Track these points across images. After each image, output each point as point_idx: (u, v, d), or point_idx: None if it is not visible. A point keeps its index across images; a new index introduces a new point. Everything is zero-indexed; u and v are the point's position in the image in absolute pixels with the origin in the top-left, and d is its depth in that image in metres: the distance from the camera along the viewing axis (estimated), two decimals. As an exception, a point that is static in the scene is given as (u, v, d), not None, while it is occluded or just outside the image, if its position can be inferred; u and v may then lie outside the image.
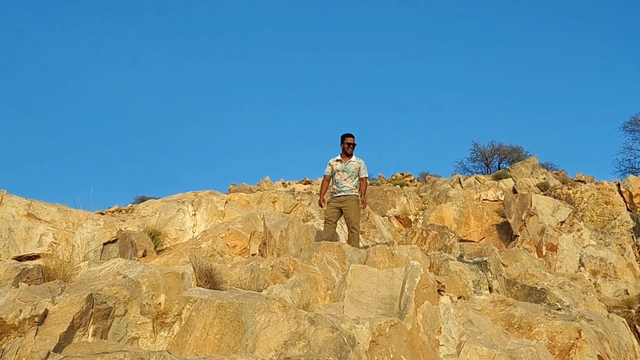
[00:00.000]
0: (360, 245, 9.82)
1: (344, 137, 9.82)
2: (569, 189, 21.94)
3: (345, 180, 9.79)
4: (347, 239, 9.88)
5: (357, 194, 9.87)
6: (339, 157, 9.97)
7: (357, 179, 9.93)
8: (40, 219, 7.59)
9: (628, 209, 20.96)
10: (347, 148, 9.78)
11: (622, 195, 21.69)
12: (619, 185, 22.26)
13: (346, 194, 9.72)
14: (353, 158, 9.93)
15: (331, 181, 10.21)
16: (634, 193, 21.55)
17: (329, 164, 10.06)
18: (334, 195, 9.88)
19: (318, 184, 24.46)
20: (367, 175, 10.12)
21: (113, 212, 27.43)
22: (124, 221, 10.15)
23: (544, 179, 23.90)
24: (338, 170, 9.88)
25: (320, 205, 10.39)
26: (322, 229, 10.21)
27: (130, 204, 29.87)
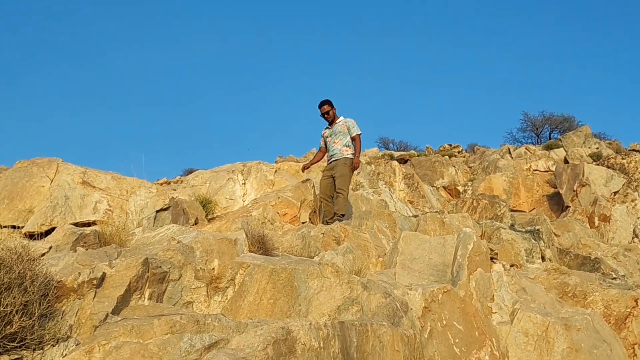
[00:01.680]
0: (346, 210, 9.36)
1: (318, 107, 9.54)
2: (622, 158, 21.40)
3: (334, 142, 9.44)
4: (334, 201, 9.36)
5: (348, 155, 9.38)
6: (327, 126, 9.71)
7: (347, 138, 9.47)
8: (94, 187, 7.71)
9: (685, 179, 20.39)
10: (326, 117, 9.53)
11: (679, 164, 21.11)
12: (676, 153, 21.70)
13: (336, 158, 9.35)
14: (338, 120, 9.61)
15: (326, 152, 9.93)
16: (690, 162, 20.98)
17: (322, 136, 9.86)
18: (328, 162, 9.60)
19: (365, 155, 24.39)
20: (359, 133, 9.52)
21: (162, 184, 27.78)
22: (174, 190, 10.27)
23: (597, 148, 23.38)
24: (327, 137, 9.62)
25: (302, 171, 10.16)
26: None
27: (179, 177, 30.22)
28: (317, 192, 9.68)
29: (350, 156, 9.36)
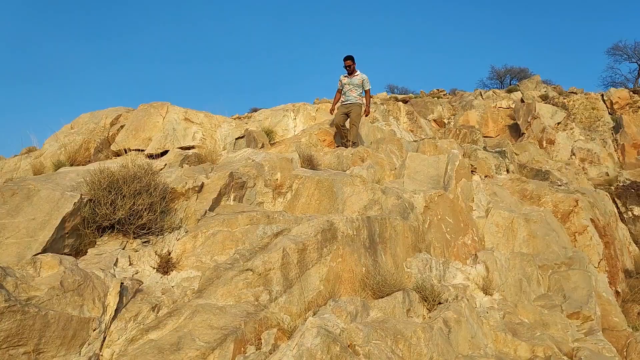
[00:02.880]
0: (357, 139, 9.02)
1: (343, 60, 8.96)
2: (564, 98, 20.61)
3: (350, 91, 8.90)
4: (349, 131, 8.99)
5: (361, 102, 8.96)
6: (346, 74, 9.05)
7: (361, 90, 8.99)
8: (193, 122, 7.61)
9: (609, 113, 19.66)
10: (347, 69, 8.92)
11: (604, 103, 20.36)
12: (602, 95, 20.90)
13: (352, 102, 8.86)
14: (357, 73, 8.97)
15: (342, 93, 9.24)
16: (613, 101, 20.26)
17: (340, 80, 9.18)
18: (343, 103, 9.03)
19: (377, 97, 23.81)
20: (369, 88, 9.07)
21: (235, 118, 27.64)
22: (246, 123, 10.12)
23: (545, 91, 22.46)
24: (345, 84, 9.00)
25: (331, 113, 9.52)
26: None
27: (247, 113, 30.00)
28: (334, 121, 9.24)
29: (362, 102, 9.00)
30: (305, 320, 3.86)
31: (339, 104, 9.32)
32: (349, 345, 3.25)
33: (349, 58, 8.97)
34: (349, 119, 9.01)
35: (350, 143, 8.80)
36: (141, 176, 4.74)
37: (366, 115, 9.24)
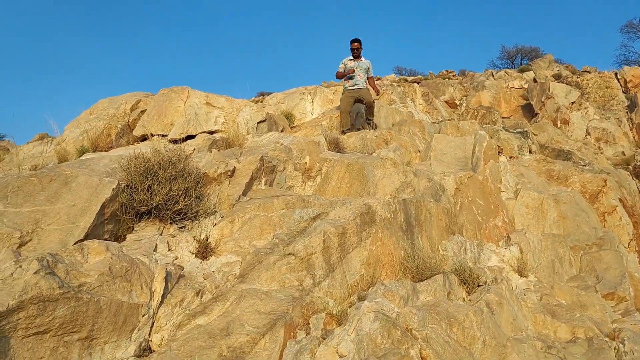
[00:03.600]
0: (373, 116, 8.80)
1: (351, 42, 8.61)
2: (577, 77, 20.38)
3: (359, 75, 8.52)
4: (365, 114, 8.83)
5: (368, 86, 8.67)
6: (351, 57, 8.68)
7: (366, 75, 8.67)
8: (214, 106, 7.54)
9: (623, 92, 19.46)
10: (354, 52, 8.56)
11: (618, 82, 20.14)
12: (616, 74, 20.64)
13: (360, 87, 8.50)
14: (363, 58, 8.69)
15: (345, 79, 8.76)
16: (627, 79, 20.05)
17: (342, 63, 8.75)
18: (350, 88, 8.58)
19: (387, 79, 23.59)
20: (372, 75, 8.77)
21: (242, 100, 27.42)
22: (264, 107, 10.04)
23: (558, 70, 22.24)
24: (352, 67, 8.56)
25: (339, 77, 8.76)
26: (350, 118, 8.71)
27: (254, 97, 29.78)
28: (341, 108, 8.78)
29: (369, 88, 8.70)
30: (352, 305, 3.85)
31: (344, 87, 8.92)
32: (406, 329, 3.23)
33: (357, 41, 8.66)
34: (356, 104, 8.72)
35: (367, 121, 8.69)
36: (176, 161, 4.71)
37: (377, 94, 9.04)
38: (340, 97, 8.90)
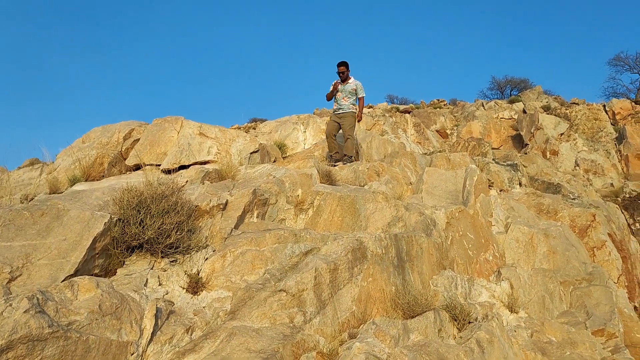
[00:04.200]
0: (353, 152, 8.49)
1: (337, 66, 8.48)
2: (566, 109, 20.75)
3: (343, 99, 8.41)
4: (344, 145, 8.49)
5: (353, 110, 8.41)
6: (339, 81, 8.53)
7: (354, 97, 8.47)
8: (208, 137, 7.60)
9: (611, 124, 19.82)
10: (340, 75, 8.45)
11: (607, 114, 20.53)
12: (604, 106, 21.07)
13: (344, 110, 8.33)
14: (350, 80, 8.48)
15: (333, 101, 8.73)
16: (616, 112, 20.45)
17: (332, 84, 8.59)
18: (335, 112, 8.49)
19: (379, 108, 23.88)
20: (363, 95, 8.55)
21: (235, 129, 27.52)
22: (256, 136, 10.12)
23: (547, 102, 22.65)
24: (338, 91, 8.47)
25: (327, 99, 8.79)
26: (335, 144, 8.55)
27: (246, 123, 29.88)
28: (326, 131, 8.66)
29: (355, 111, 8.52)
30: (343, 343, 3.85)
31: (330, 111, 8.77)
32: (397, 371, 3.23)
33: (343, 64, 8.55)
34: (341, 129, 8.51)
35: (345, 157, 8.29)
36: (168, 195, 4.73)
37: (358, 121, 8.75)
38: (327, 121, 8.79)
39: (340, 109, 8.49)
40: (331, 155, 8.31)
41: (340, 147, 8.63)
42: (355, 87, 8.54)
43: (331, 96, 8.70)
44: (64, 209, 4.30)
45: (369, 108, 26.97)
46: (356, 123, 8.53)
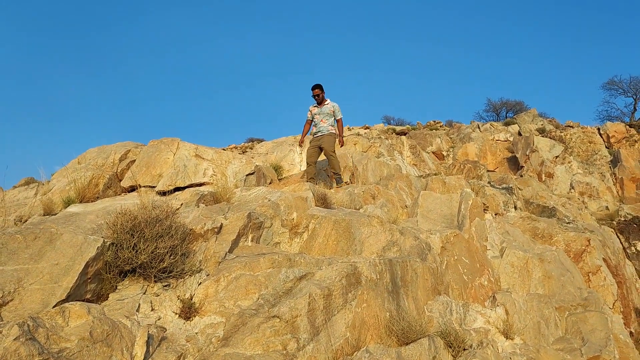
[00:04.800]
0: (340, 169, 8.39)
1: (311, 89, 8.43)
2: (561, 132, 20.97)
3: (322, 120, 8.31)
4: (329, 164, 8.43)
5: (332, 130, 8.35)
6: (315, 104, 8.54)
7: (332, 119, 8.41)
8: (204, 158, 7.62)
9: (606, 147, 20.02)
10: (316, 98, 8.43)
11: (601, 137, 20.76)
12: (599, 129, 21.33)
13: (323, 133, 8.26)
14: (327, 102, 8.42)
15: (312, 126, 8.67)
16: (610, 135, 20.69)
17: (309, 110, 8.59)
18: (315, 135, 8.40)
19: (375, 129, 24.03)
20: (341, 117, 8.47)
21: (232, 149, 27.53)
22: (252, 158, 10.15)
23: (542, 124, 22.87)
24: (316, 114, 8.42)
25: (300, 145, 9.04)
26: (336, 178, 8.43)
27: (243, 143, 29.92)
28: (306, 158, 8.52)
29: (334, 131, 8.38)
30: (336, 371, 3.82)
31: (310, 137, 8.71)
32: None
33: (317, 87, 8.49)
34: (322, 153, 8.41)
35: (334, 175, 8.33)
36: (163, 218, 4.72)
37: (341, 146, 8.71)
38: (307, 148, 8.66)
39: (319, 131, 8.42)
40: (310, 179, 8.20)
41: (317, 174, 8.54)
42: (332, 109, 8.49)
43: (303, 140, 8.76)
44: (57, 233, 4.28)
45: (365, 129, 27.15)
46: (334, 142, 8.41)
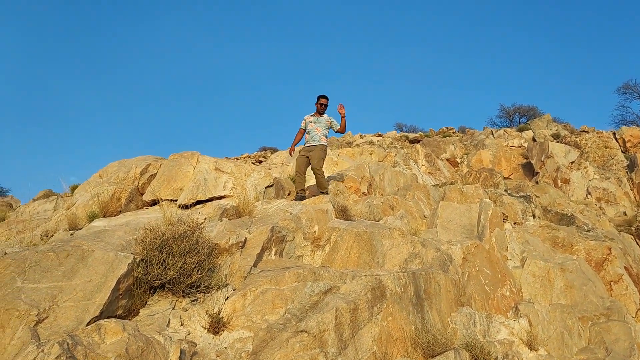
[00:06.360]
0: (327, 185, 8.17)
1: (319, 97, 8.25)
2: (576, 137, 20.81)
3: (316, 129, 8.07)
4: (316, 182, 8.12)
5: (324, 143, 8.06)
6: (313, 114, 8.29)
7: (327, 130, 8.19)
8: (223, 172, 7.72)
9: (622, 151, 19.84)
10: (320, 107, 8.16)
11: (617, 141, 20.56)
12: (614, 133, 21.11)
13: (315, 143, 7.99)
14: (324, 115, 8.24)
15: (305, 133, 8.38)
16: (626, 139, 20.49)
17: (304, 119, 8.34)
18: (306, 145, 8.14)
19: (388, 137, 24.06)
20: (338, 127, 8.16)
21: (245, 158, 27.67)
22: (269, 169, 10.25)
23: (556, 130, 22.75)
24: (310, 122, 8.18)
25: (290, 154, 8.63)
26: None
27: (256, 152, 30.05)
28: (295, 167, 8.22)
29: (326, 144, 8.19)
30: (365, 385, 3.87)
31: (300, 146, 8.46)
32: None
33: (326, 97, 8.31)
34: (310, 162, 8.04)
35: (322, 193, 7.84)
36: (189, 234, 4.82)
37: (341, 133, 8.40)
38: (297, 157, 8.37)
39: (311, 141, 8.14)
40: (297, 192, 7.91)
41: (304, 184, 8.16)
42: (330, 120, 8.27)
43: (293, 149, 8.49)
44: (89, 250, 4.39)
45: (378, 136, 27.18)
46: (324, 156, 8.16)
